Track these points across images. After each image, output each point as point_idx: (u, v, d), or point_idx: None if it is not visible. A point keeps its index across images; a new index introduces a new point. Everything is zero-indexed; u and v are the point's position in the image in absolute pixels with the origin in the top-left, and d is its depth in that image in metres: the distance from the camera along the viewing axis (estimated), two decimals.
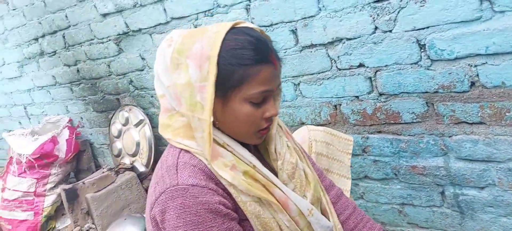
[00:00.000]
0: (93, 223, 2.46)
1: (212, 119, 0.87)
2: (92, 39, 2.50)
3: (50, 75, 2.98)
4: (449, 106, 1.39)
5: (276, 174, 1.01)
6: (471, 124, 1.37)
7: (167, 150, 0.98)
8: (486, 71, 1.27)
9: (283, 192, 0.97)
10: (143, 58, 2.30)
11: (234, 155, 0.94)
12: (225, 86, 0.88)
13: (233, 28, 0.91)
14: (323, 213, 1.09)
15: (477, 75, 1.29)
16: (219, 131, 0.94)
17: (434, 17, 1.29)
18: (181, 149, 0.94)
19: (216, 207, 0.87)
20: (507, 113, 1.29)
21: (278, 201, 0.96)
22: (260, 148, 1.06)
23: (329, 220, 1.08)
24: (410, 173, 1.59)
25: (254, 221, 0.93)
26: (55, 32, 2.70)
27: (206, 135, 0.87)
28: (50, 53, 2.85)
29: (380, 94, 1.53)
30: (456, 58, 1.31)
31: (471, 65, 1.29)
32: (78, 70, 2.75)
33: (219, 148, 0.92)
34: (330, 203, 1.14)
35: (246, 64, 0.88)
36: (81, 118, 3.05)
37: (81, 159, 3.11)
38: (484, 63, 1.26)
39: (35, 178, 2.85)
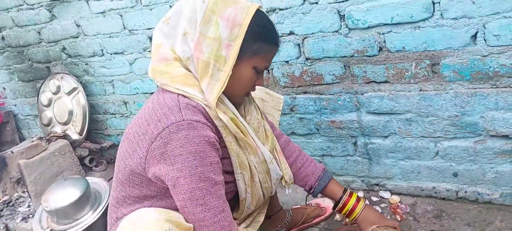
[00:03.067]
0: (25, 191, 2.44)
1: (231, 73, 1.06)
2: (21, 5, 2.45)
3: None
4: (362, 68, 1.68)
5: None
6: (379, 82, 1.68)
7: (161, 94, 1.12)
8: (391, 38, 1.57)
9: (254, 141, 1.22)
10: (78, 25, 2.32)
11: (224, 104, 1.13)
12: (243, 50, 1.08)
13: (259, 8, 1.12)
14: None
15: (384, 41, 1.59)
16: None
17: None
18: (179, 94, 1.09)
19: (213, 141, 1.07)
20: (406, 73, 1.60)
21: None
22: None
23: (279, 166, 1.36)
24: (330, 127, 1.87)
25: (235, 158, 1.16)
26: None
27: (220, 84, 1.06)
28: None
29: (307, 59, 1.78)
30: (368, 27, 1.59)
31: (380, 33, 1.58)
32: (3, 38, 2.66)
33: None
34: (280, 153, 1.39)
35: (265, 41, 1.12)
36: (4, 88, 2.94)
37: (4, 131, 3.00)
38: (389, 31, 1.56)
39: None
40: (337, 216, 1.78)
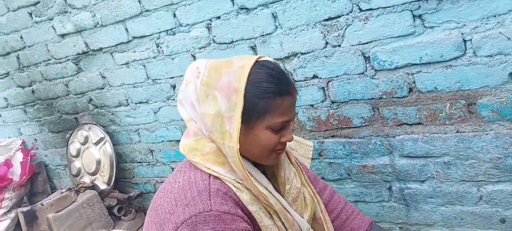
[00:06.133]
0: None
1: (238, 146, 0.96)
2: (49, 60, 2.51)
3: (1, 97, 2.92)
4: (392, 110, 1.59)
5: (280, 193, 1.12)
6: (411, 124, 1.58)
7: (193, 171, 1.04)
8: (421, 78, 1.48)
9: (292, 216, 1.11)
10: (103, 77, 2.35)
11: (254, 183, 1.02)
12: (249, 115, 0.97)
13: (256, 62, 1.00)
14: (317, 220, 1.22)
15: (414, 82, 1.50)
16: (242, 156, 1.01)
17: (376, 33, 1.49)
18: (210, 175, 1.01)
19: None
20: (440, 114, 1.50)
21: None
22: (267, 171, 1.15)
23: (323, 226, 1.22)
24: (361, 172, 1.77)
25: None
26: (8, 53, 2.67)
27: (237, 160, 0.97)
28: (2, 75, 2.80)
29: (332, 102, 1.70)
30: (396, 68, 1.51)
31: (409, 74, 1.49)
32: (33, 91, 2.73)
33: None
34: (324, 211, 1.25)
35: (269, 97, 0.98)
36: (35, 140, 3.00)
37: (36, 182, 3.05)
38: (419, 71, 1.47)
39: None
40: None
